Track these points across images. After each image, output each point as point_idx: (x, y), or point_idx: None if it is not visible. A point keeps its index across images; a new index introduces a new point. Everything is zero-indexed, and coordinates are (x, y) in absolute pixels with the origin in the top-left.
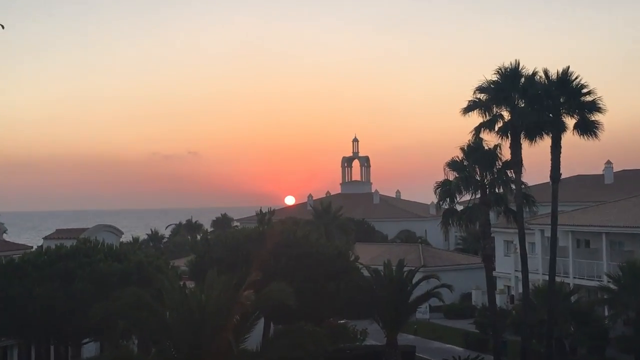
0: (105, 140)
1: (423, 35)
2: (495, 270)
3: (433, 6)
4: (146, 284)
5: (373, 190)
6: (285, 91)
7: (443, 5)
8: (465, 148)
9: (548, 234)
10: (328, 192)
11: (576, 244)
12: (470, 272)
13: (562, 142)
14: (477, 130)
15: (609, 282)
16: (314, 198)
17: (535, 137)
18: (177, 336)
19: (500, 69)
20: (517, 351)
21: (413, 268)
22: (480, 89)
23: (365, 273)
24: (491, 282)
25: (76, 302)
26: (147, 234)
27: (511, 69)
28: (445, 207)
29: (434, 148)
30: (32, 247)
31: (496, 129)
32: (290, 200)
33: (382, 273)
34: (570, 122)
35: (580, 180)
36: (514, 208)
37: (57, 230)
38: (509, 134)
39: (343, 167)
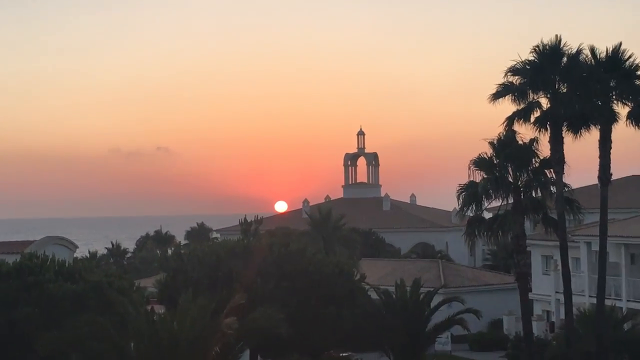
0: (53, 133)
1: (442, 4)
2: (531, 291)
3: None
4: (106, 309)
5: (382, 194)
6: (275, 73)
7: None
8: (495, 142)
9: (596, 247)
10: (327, 196)
11: (630, 259)
12: (501, 294)
13: (612, 135)
14: (510, 120)
15: None
16: (310, 204)
17: (580, 129)
18: None
19: (537, 46)
20: None
21: (431, 289)
22: (513, 71)
23: (374, 295)
24: (527, 306)
25: (20, 331)
26: (106, 248)
27: (551, 47)
28: (471, 214)
29: (457, 142)
30: None
31: (533, 119)
32: (281, 207)
33: (393, 295)
34: (622, 110)
35: (636, 182)
36: (555, 216)
37: None
38: (548, 126)
39: (346, 166)
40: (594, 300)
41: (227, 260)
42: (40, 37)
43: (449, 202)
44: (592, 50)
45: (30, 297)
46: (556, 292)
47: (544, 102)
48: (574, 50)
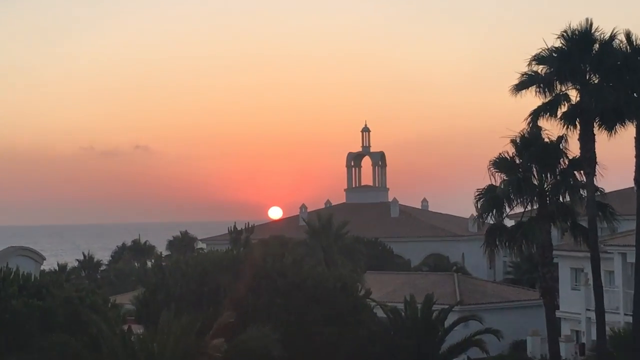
0: (16, 129)
1: None
2: (558, 309)
3: None
4: (77, 328)
5: (390, 199)
6: (268, 62)
7: None
8: (518, 140)
9: (632, 259)
10: (328, 201)
11: None
12: (524, 312)
13: None
14: (534, 115)
15: None
16: (308, 210)
17: (614, 125)
18: None
19: (565, 31)
20: None
21: (446, 306)
22: (538, 59)
23: (380, 313)
24: (553, 325)
25: None
26: (77, 260)
27: (580, 32)
28: (490, 222)
29: (475, 140)
30: None
31: (560, 114)
32: (276, 213)
33: (402, 313)
34: None
35: None
36: (585, 223)
37: None
38: (577, 122)
39: (349, 166)
40: (630, 319)
41: (214, 274)
42: (5, 20)
43: (466, 207)
44: (628, 35)
45: None
46: (587, 309)
47: (573, 95)
48: (607, 36)
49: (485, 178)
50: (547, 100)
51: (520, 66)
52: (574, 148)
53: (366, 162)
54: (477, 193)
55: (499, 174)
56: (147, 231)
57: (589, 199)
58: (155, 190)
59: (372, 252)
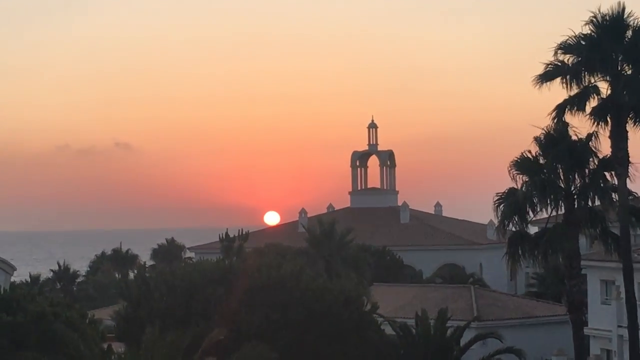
0: None
1: None
2: (587, 325)
3: None
4: (51, 346)
5: (400, 203)
6: (264, 51)
7: None
8: (542, 138)
9: None
10: (330, 205)
11: None
12: (549, 329)
13: None
14: (560, 110)
15: None
16: (308, 215)
17: None
18: None
19: (595, 16)
20: None
21: (462, 323)
22: (564, 48)
23: (388, 330)
24: (581, 343)
25: None
26: (52, 270)
27: (612, 17)
28: (512, 229)
29: (494, 138)
30: None
31: (589, 108)
32: (272, 219)
33: (413, 330)
34: None
35: None
36: (617, 230)
37: None
38: (608, 117)
39: (354, 167)
40: None
41: (203, 287)
42: None
43: (484, 213)
44: None
45: None
46: (618, 326)
47: (604, 87)
48: None
49: (506, 180)
50: (574, 93)
51: (546, 55)
52: (604, 146)
53: (373, 161)
54: (496, 197)
55: (521, 175)
56: (129, 238)
57: (621, 203)
58: (138, 192)
59: (380, 262)
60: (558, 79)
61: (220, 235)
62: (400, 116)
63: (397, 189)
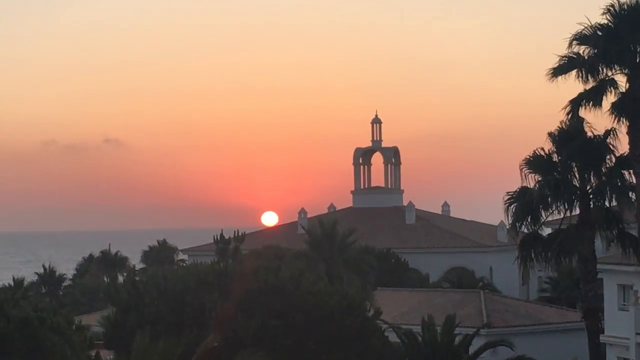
0: None
1: None
2: (603, 332)
3: None
4: (37, 354)
5: (405, 203)
6: (260, 38)
7: None
8: (556, 135)
9: None
10: (332, 205)
11: None
12: (563, 336)
13: None
14: (575, 105)
15: None
16: (308, 215)
17: None
18: None
19: (612, 6)
20: None
21: (470, 329)
22: (579, 39)
23: (393, 337)
24: (597, 351)
25: None
26: (37, 273)
27: (630, 6)
28: (524, 231)
29: (505, 134)
30: None
31: (606, 103)
32: (270, 219)
33: (419, 337)
34: None
35: None
36: (635, 232)
37: None
38: (626, 112)
39: (356, 164)
40: None
41: (197, 291)
42: None
43: (494, 213)
44: None
45: None
46: (636, 333)
47: (621, 81)
48: None
49: (518, 179)
50: (590, 87)
51: (560, 47)
52: (622, 144)
53: (377, 159)
54: (507, 197)
55: (534, 174)
56: (118, 240)
57: None
58: (128, 191)
59: (384, 265)
60: (573, 72)
61: (215, 237)
62: (406, 111)
63: (402, 188)
